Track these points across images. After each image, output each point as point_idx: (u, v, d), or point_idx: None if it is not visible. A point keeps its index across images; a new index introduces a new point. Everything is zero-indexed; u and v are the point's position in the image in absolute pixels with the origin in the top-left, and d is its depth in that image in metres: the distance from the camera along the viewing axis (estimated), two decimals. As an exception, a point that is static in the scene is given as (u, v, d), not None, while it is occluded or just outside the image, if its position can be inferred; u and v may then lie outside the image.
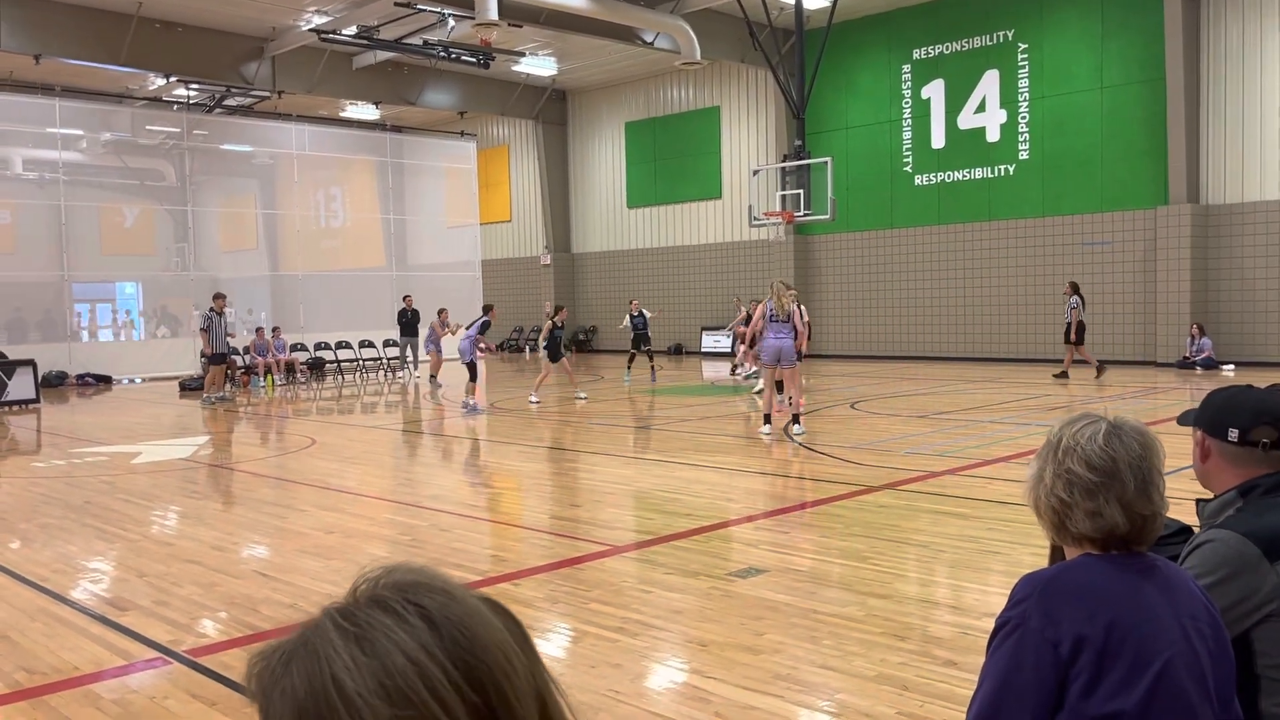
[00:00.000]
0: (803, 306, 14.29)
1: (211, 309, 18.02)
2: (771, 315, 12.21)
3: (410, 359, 22.61)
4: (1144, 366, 19.38)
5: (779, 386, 13.30)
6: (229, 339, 19.91)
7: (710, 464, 10.73)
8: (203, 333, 18.16)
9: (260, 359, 21.36)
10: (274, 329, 22.58)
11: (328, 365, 23.68)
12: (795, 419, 11.99)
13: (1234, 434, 2.28)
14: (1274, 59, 18.36)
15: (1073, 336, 17.59)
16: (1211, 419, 2.34)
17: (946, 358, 22.42)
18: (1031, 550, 6.03)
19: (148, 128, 26.21)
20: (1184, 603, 1.79)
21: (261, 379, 21.07)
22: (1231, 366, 18.43)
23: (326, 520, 8.03)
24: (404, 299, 22.95)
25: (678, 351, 27.34)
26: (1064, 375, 17.68)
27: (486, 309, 16.73)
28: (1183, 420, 2.57)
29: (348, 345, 22.83)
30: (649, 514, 8.25)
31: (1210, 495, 2.37)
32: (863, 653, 4.65)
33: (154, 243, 27.39)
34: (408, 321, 22.64)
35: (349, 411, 16.99)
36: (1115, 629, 1.70)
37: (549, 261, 30.65)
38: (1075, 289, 17.87)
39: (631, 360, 19.71)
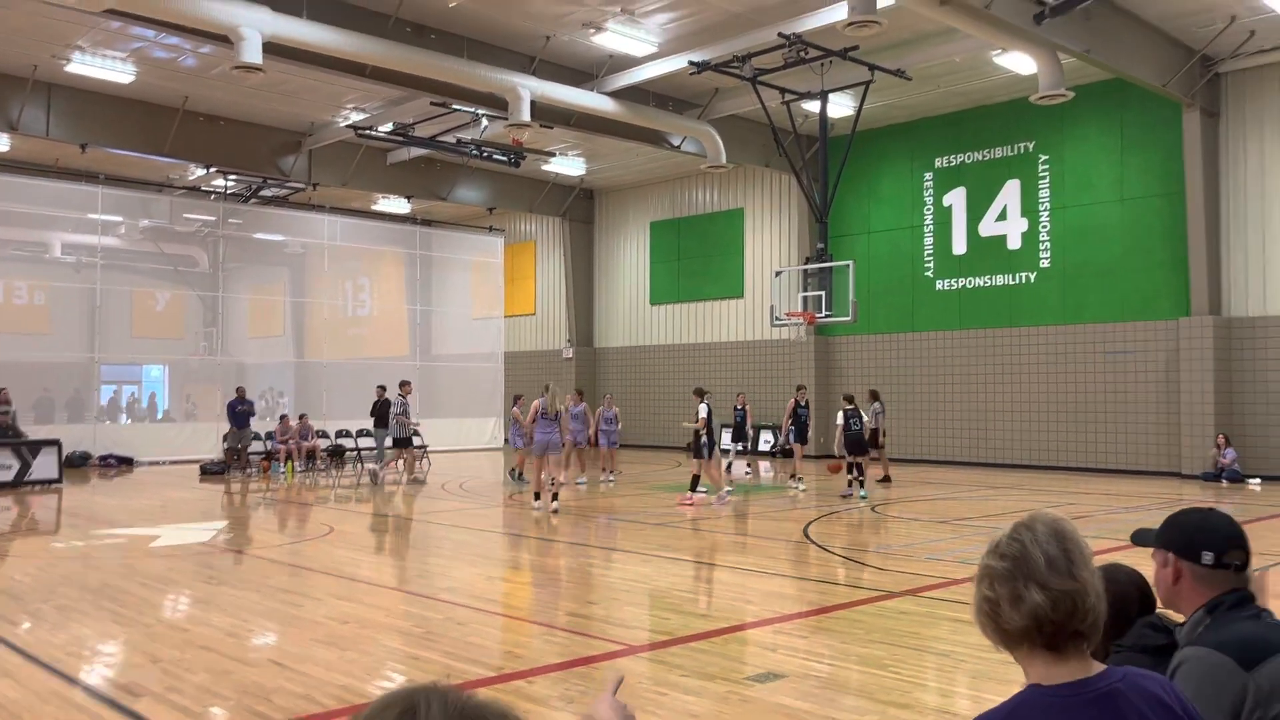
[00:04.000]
0: (584, 404, 18.34)
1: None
2: (543, 413, 14.57)
3: (380, 451, 21.58)
4: (1168, 478, 19.17)
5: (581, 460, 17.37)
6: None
7: (728, 564, 10.64)
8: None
9: (281, 445, 21.47)
10: (300, 416, 22.72)
11: (348, 453, 23.75)
12: (554, 496, 14.41)
13: (1209, 557, 2.35)
14: (1293, 176, 18.58)
15: (880, 440, 18.17)
16: (1184, 542, 2.40)
17: (967, 462, 22.25)
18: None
19: (185, 215, 26.91)
20: None
21: (282, 465, 21.15)
22: (1258, 480, 18.20)
23: (342, 610, 7.99)
24: (377, 389, 21.30)
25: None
26: (887, 479, 18.32)
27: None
28: (1140, 540, 2.59)
29: (368, 434, 22.90)
30: (666, 613, 8.16)
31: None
32: (882, 764, 4.55)
33: (183, 327, 27.88)
34: (381, 413, 21.09)
35: (367, 500, 16.99)
36: None
37: (571, 355, 30.89)
38: (876, 396, 18.94)
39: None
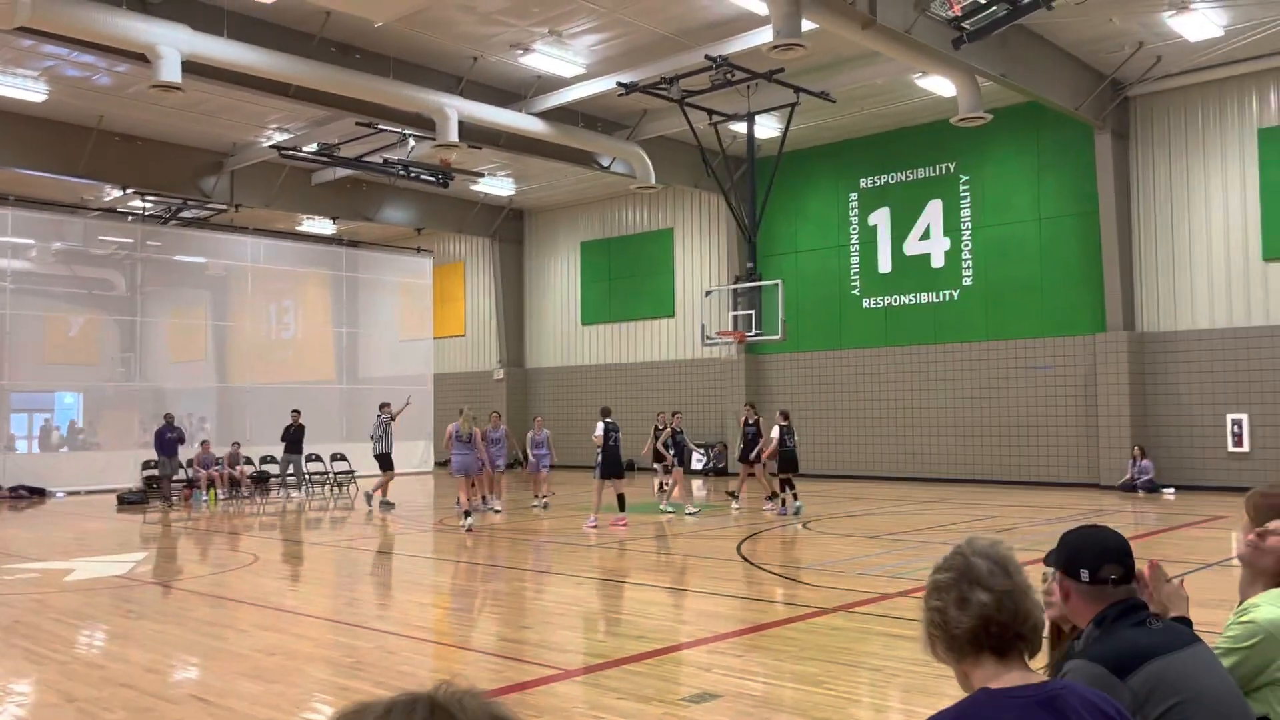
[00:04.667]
0: (504, 427, 18.23)
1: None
2: (457, 436, 15.62)
3: (294, 477, 21.39)
4: (1088, 489, 19.68)
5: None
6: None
7: (662, 584, 10.61)
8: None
9: (203, 471, 20.91)
10: (234, 444, 22.14)
11: (273, 479, 23.21)
12: (466, 514, 15.01)
13: (1085, 574, 2.48)
14: (1200, 194, 19.32)
15: (764, 457, 17.32)
16: (1065, 562, 2.53)
17: (895, 477, 22.59)
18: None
19: (100, 237, 26.15)
20: None
21: (204, 493, 20.59)
22: (1172, 490, 18.78)
23: (267, 641, 7.78)
24: (292, 413, 21.43)
25: (630, 468, 27.23)
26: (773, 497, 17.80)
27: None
28: (1048, 561, 2.70)
29: (314, 458, 22.41)
30: (600, 636, 8.11)
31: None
32: (819, 782, 4.56)
33: (99, 352, 27.01)
34: (293, 438, 21.21)
35: (293, 527, 16.61)
36: None
37: (502, 376, 30.68)
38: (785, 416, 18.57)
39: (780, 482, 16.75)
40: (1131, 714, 2.20)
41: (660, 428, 19.34)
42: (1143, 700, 2.25)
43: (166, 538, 15.56)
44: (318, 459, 22.35)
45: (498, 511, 17.05)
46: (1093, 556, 2.48)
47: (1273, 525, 2.92)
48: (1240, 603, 2.89)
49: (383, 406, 19.63)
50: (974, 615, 1.93)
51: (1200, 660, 2.38)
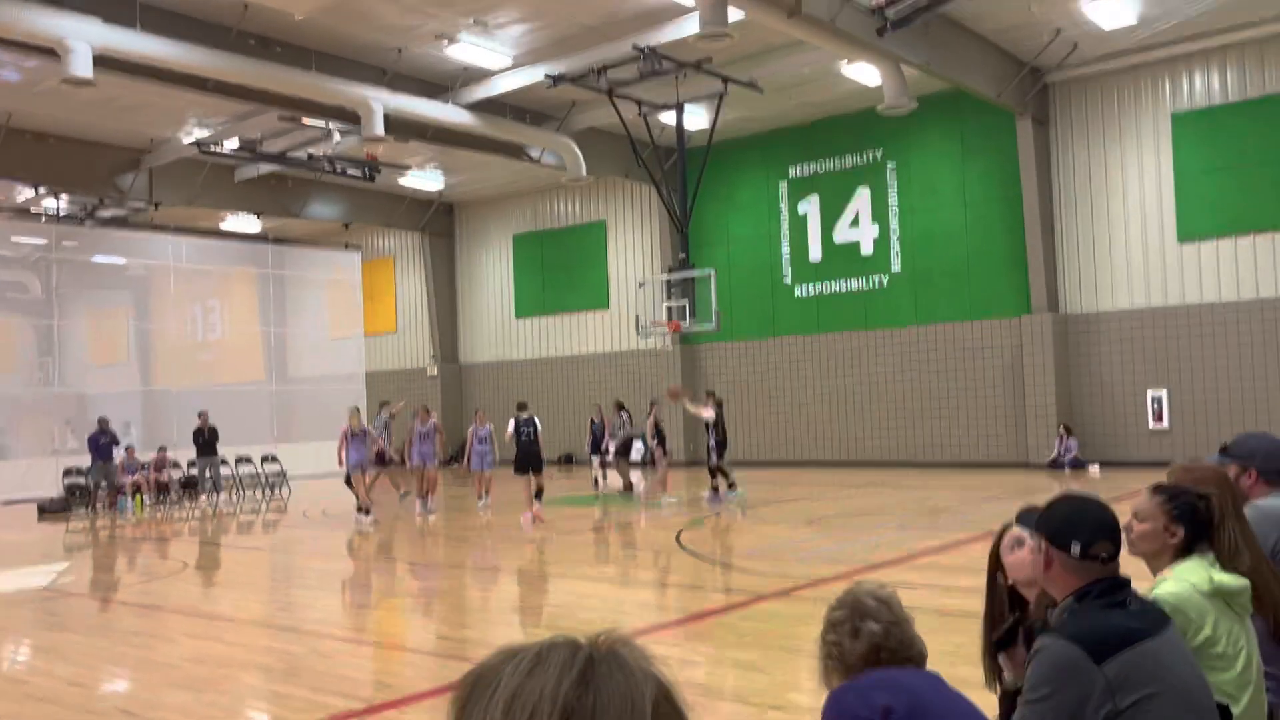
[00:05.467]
0: (433, 420, 17.69)
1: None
2: (351, 433, 16.07)
3: (211, 481, 20.75)
4: (1016, 468, 20.11)
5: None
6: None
7: (602, 576, 10.60)
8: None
9: (129, 478, 20.33)
10: (160, 448, 21.51)
11: (201, 483, 22.65)
12: (366, 510, 15.32)
13: (1076, 548, 2.41)
14: (1118, 179, 19.83)
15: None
16: (1055, 531, 2.46)
17: (830, 462, 22.85)
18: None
19: (12, 239, 25.27)
20: (970, 703, 2.20)
21: (130, 499, 20.03)
22: (1097, 466, 19.28)
23: (198, 649, 7.59)
24: (199, 415, 20.55)
25: (568, 461, 27.18)
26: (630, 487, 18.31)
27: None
28: (1025, 520, 2.67)
29: (224, 462, 21.90)
30: (540, 630, 8.06)
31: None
32: (760, 768, 4.58)
33: (14, 357, 26.11)
34: (205, 441, 20.56)
35: (224, 532, 16.25)
36: (916, 704, 2.06)
37: (436, 372, 30.35)
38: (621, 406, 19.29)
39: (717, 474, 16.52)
40: (1098, 704, 2.21)
41: (596, 420, 19.36)
42: (1116, 688, 2.21)
43: (92, 547, 15.11)
44: (249, 461, 21.89)
45: (432, 513, 16.37)
46: (1088, 531, 2.41)
47: (1140, 511, 2.89)
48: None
49: (382, 405, 19.52)
50: (866, 643, 2.21)
51: (1174, 648, 2.36)
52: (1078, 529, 2.42)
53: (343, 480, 16.29)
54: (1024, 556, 2.82)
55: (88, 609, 9.83)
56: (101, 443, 19.98)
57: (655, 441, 17.66)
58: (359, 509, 15.43)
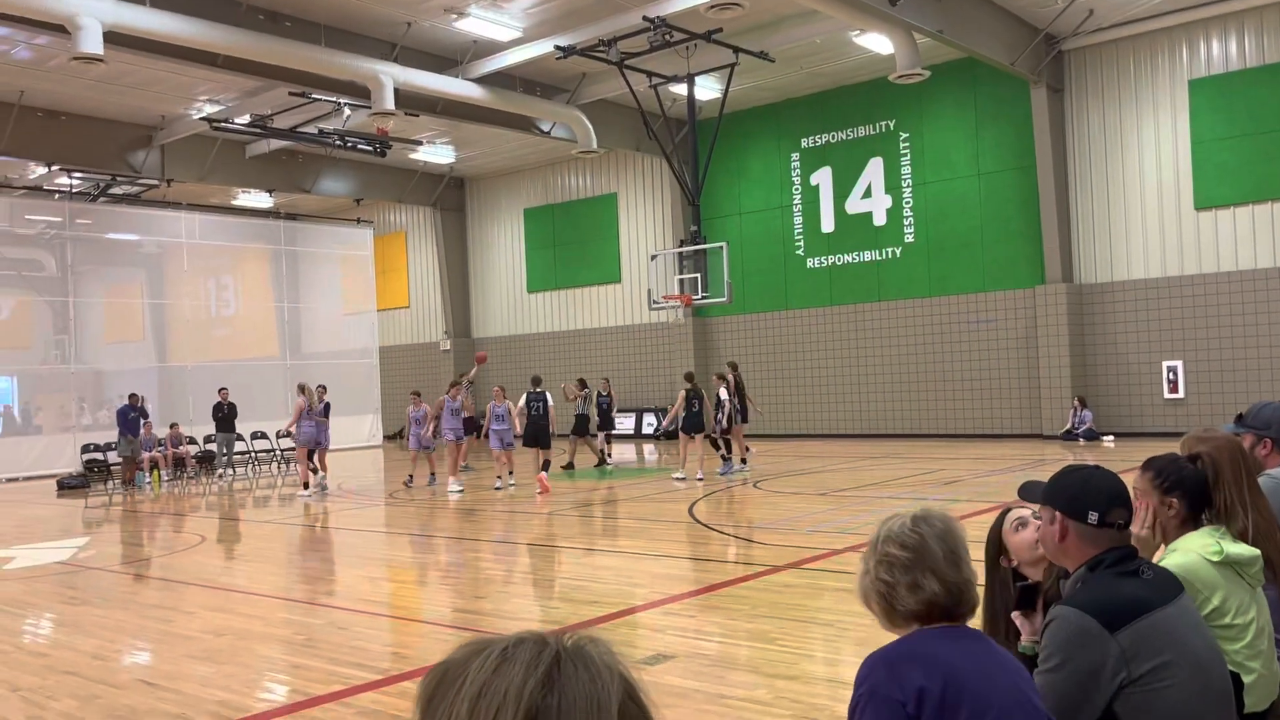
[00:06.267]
0: (425, 406, 17.82)
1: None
2: (308, 410, 16.95)
3: (227, 456, 20.83)
4: (1030, 439, 20.08)
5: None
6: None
7: (615, 549, 10.66)
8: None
9: (145, 453, 20.49)
10: (172, 425, 21.64)
11: (218, 459, 22.83)
12: (322, 486, 16.75)
13: (1094, 516, 2.39)
14: (1134, 147, 19.63)
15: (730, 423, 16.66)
16: (1070, 501, 2.43)
17: (843, 435, 22.85)
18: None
19: (27, 217, 25.34)
20: (1013, 662, 2.10)
21: (147, 474, 20.21)
22: (1111, 437, 19.23)
23: (216, 622, 7.68)
24: (220, 391, 20.89)
25: (584, 434, 27.20)
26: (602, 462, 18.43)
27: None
28: (1029, 494, 2.65)
29: (241, 438, 22.06)
30: (555, 602, 8.13)
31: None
32: (773, 737, 4.62)
33: (31, 335, 26.27)
34: (224, 416, 20.71)
35: (241, 506, 16.40)
36: (952, 683, 1.93)
37: (449, 347, 30.42)
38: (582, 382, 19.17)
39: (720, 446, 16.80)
40: (1113, 672, 2.22)
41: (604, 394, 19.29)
42: (1130, 657, 2.22)
43: (110, 521, 15.27)
44: (264, 436, 22.04)
45: (408, 486, 16.87)
46: (1104, 499, 2.40)
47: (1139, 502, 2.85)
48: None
49: (460, 376, 19.53)
50: (922, 602, 2.04)
51: (1187, 616, 2.35)
52: (1093, 497, 2.41)
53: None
54: (1029, 536, 2.80)
55: (107, 583, 9.95)
56: (130, 417, 20.05)
57: (728, 407, 16.56)
58: (304, 484, 16.73)
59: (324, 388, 18.10)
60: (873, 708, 1.94)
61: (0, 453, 23.29)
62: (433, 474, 17.47)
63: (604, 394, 19.84)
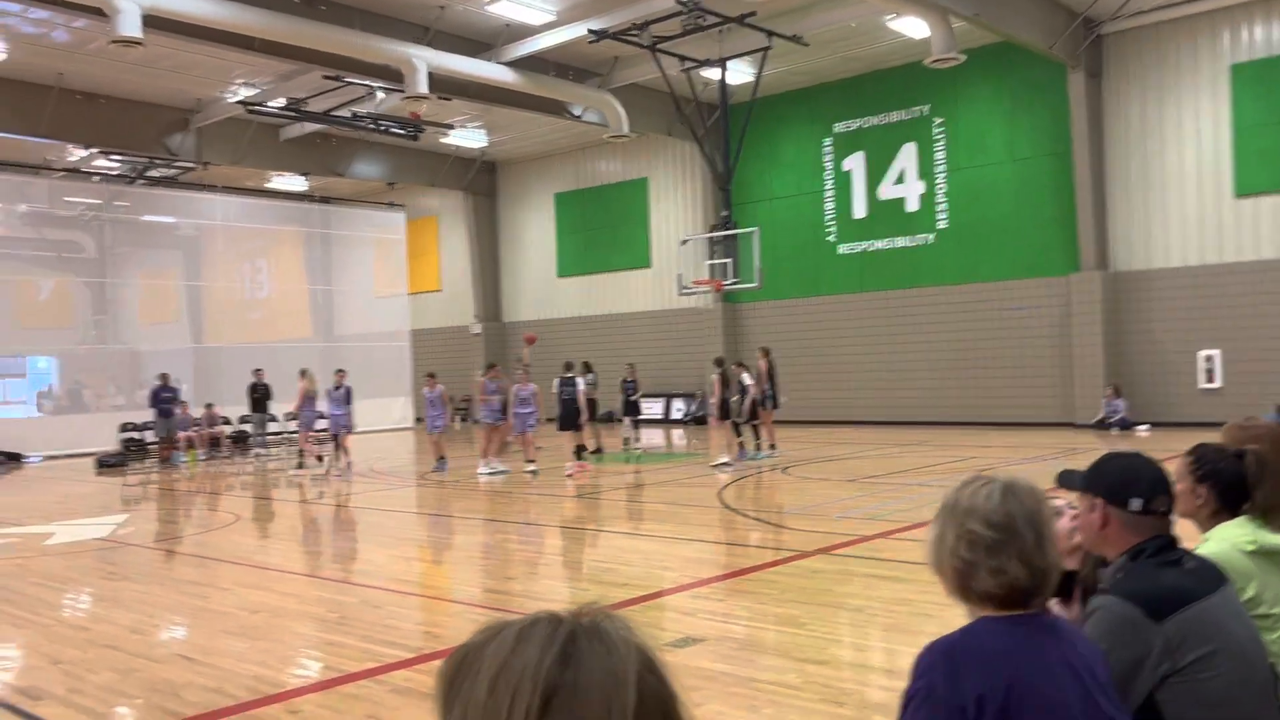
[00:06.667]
0: (440, 388, 17.70)
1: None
2: (309, 395, 17.41)
3: (260, 437, 21.16)
4: (1062, 428, 19.90)
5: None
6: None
7: (644, 532, 10.70)
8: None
9: (181, 433, 20.80)
10: (207, 405, 21.94)
11: (251, 439, 23.12)
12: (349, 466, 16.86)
13: (1137, 504, 2.37)
14: (1172, 133, 19.33)
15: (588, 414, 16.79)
16: (1112, 488, 2.41)
17: (873, 422, 22.75)
18: (964, 612, 6.11)
19: (66, 199, 25.72)
20: (1084, 657, 1.90)
21: (183, 453, 20.51)
22: (1146, 427, 19.02)
23: (251, 599, 7.80)
24: (255, 372, 21.14)
25: (608, 419, 27.33)
26: (599, 451, 17.79)
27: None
28: (1067, 482, 2.61)
29: (274, 418, 22.34)
30: (584, 584, 8.18)
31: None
32: (801, 720, 4.64)
33: (71, 315, 26.71)
34: (259, 397, 20.99)
35: (274, 486, 16.60)
36: (1015, 688, 1.78)
37: (480, 330, 30.57)
38: (589, 367, 18.61)
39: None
40: (1156, 662, 2.20)
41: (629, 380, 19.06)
42: (1175, 646, 2.20)
43: (147, 499, 15.52)
44: (296, 417, 22.28)
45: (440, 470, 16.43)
46: (1148, 486, 2.37)
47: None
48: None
49: (516, 361, 19.36)
50: (1003, 586, 1.87)
51: (1230, 606, 2.33)
52: (1136, 484, 2.38)
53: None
54: (1065, 525, 2.79)
55: (145, 559, 10.13)
56: (163, 398, 20.32)
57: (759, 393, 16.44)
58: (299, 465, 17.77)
59: (343, 372, 17.70)
60: (928, 709, 1.81)
61: (41, 431, 23.74)
62: (442, 458, 16.91)
63: (629, 380, 19.77)
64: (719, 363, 16.55)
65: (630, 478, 15.25)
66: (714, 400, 16.33)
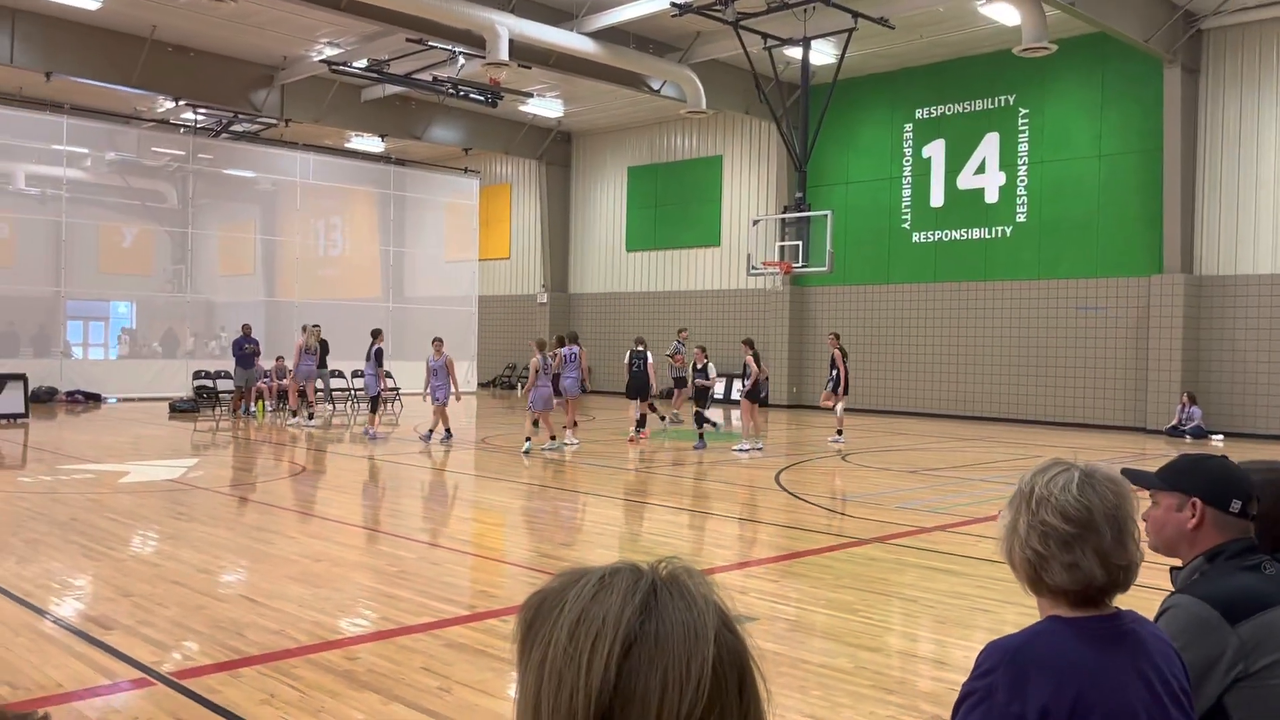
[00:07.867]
0: (446, 356, 16.73)
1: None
2: (307, 349, 18.07)
3: (322, 392, 21.33)
4: (1133, 433, 19.45)
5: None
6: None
7: (701, 509, 10.72)
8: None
9: (253, 385, 21.26)
10: (277, 358, 22.32)
11: (318, 393, 23.57)
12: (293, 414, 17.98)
13: (1237, 505, 2.32)
14: (1270, 136, 18.66)
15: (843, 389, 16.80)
16: (1211, 488, 2.36)
17: (938, 414, 22.46)
18: (1019, 609, 6.01)
19: (153, 149, 26.36)
20: (1160, 666, 1.78)
21: (253, 404, 20.99)
22: (1221, 436, 18.50)
23: (314, 548, 7.98)
24: (310, 328, 20.38)
25: (668, 396, 27.34)
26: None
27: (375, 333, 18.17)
28: (1147, 483, 2.47)
29: (340, 374, 22.76)
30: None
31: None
32: (851, 704, 4.63)
33: (152, 263, 27.43)
34: (319, 353, 20.61)
35: (339, 440, 16.93)
36: (1081, 701, 1.68)
37: (545, 300, 30.75)
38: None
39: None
40: (1230, 665, 2.15)
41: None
42: (1249, 650, 2.16)
43: (216, 446, 15.93)
44: (360, 375, 22.64)
45: (436, 438, 15.93)
46: (1246, 489, 2.32)
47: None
48: None
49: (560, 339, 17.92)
50: (1078, 582, 1.75)
51: None
52: (1236, 486, 2.34)
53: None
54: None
55: (214, 502, 10.42)
56: (244, 349, 20.61)
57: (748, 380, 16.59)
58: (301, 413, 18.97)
59: (441, 341, 16.93)
60: (983, 711, 1.70)
61: (119, 373, 24.47)
62: (447, 430, 16.27)
63: (699, 366, 19.25)
64: (749, 343, 16.22)
65: (690, 455, 15.25)
66: (750, 381, 16.05)
